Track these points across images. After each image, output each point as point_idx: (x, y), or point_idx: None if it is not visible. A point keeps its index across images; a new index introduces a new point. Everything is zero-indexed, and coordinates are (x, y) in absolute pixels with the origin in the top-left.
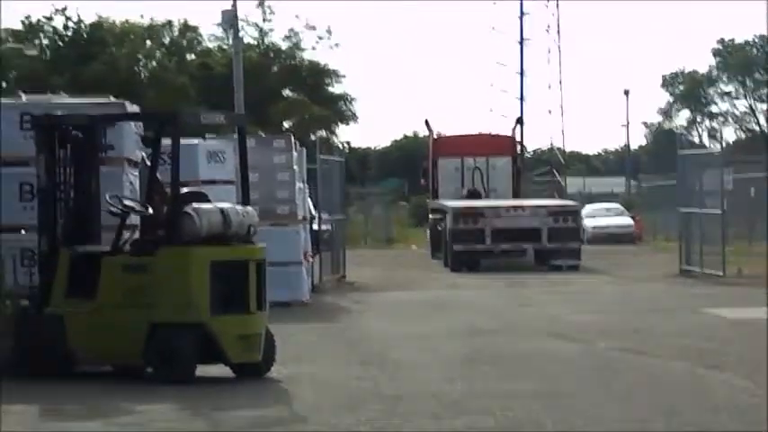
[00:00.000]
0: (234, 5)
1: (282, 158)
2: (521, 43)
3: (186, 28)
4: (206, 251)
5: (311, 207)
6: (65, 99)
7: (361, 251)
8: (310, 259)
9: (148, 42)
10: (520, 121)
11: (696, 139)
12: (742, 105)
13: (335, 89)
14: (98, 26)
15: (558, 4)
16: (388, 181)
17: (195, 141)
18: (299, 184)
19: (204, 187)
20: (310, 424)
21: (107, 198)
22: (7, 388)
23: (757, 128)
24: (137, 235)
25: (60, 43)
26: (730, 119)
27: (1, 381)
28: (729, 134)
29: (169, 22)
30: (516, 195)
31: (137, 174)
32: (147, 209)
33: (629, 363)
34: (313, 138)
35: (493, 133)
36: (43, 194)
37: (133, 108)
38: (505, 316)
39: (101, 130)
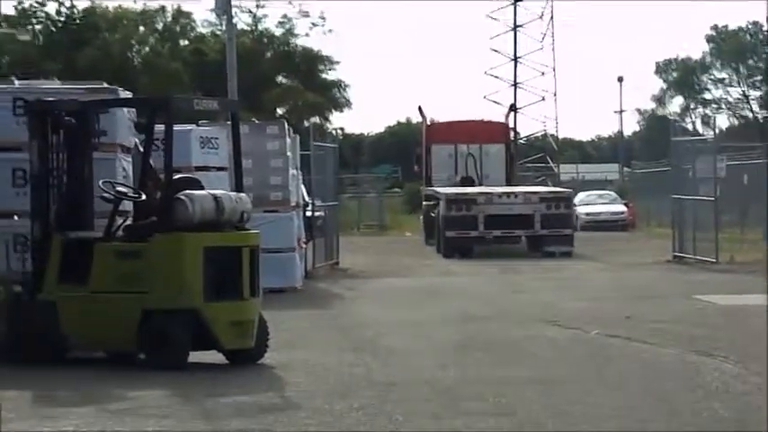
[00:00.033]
0: None
1: (276, 145)
2: (514, 30)
3: (179, 14)
4: (199, 237)
5: (304, 193)
6: (57, 84)
7: (355, 238)
8: (303, 246)
9: (141, 28)
10: (513, 107)
11: (689, 126)
12: (735, 92)
13: (329, 75)
14: (91, 11)
15: None
16: (380, 167)
17: (188, 127)
18: (292, 171)
19: (197, 173)
20: (303, 410)
21: (100, 184)
22: (0, 374)
23: (750, 114)
24: (130, 221)
25: (53, 29)
26: (724, 105)
27: None
28: (723, 121)
29: (162, 8)
30: (509, 182)
31: (130, 160)
32: (139, 195)
33: (621, 349)
34: (306, 124)
35: (486, 120)
36: (36, 180)
37: (126, 94)
38: (498, 302)
39: (94, 116)
